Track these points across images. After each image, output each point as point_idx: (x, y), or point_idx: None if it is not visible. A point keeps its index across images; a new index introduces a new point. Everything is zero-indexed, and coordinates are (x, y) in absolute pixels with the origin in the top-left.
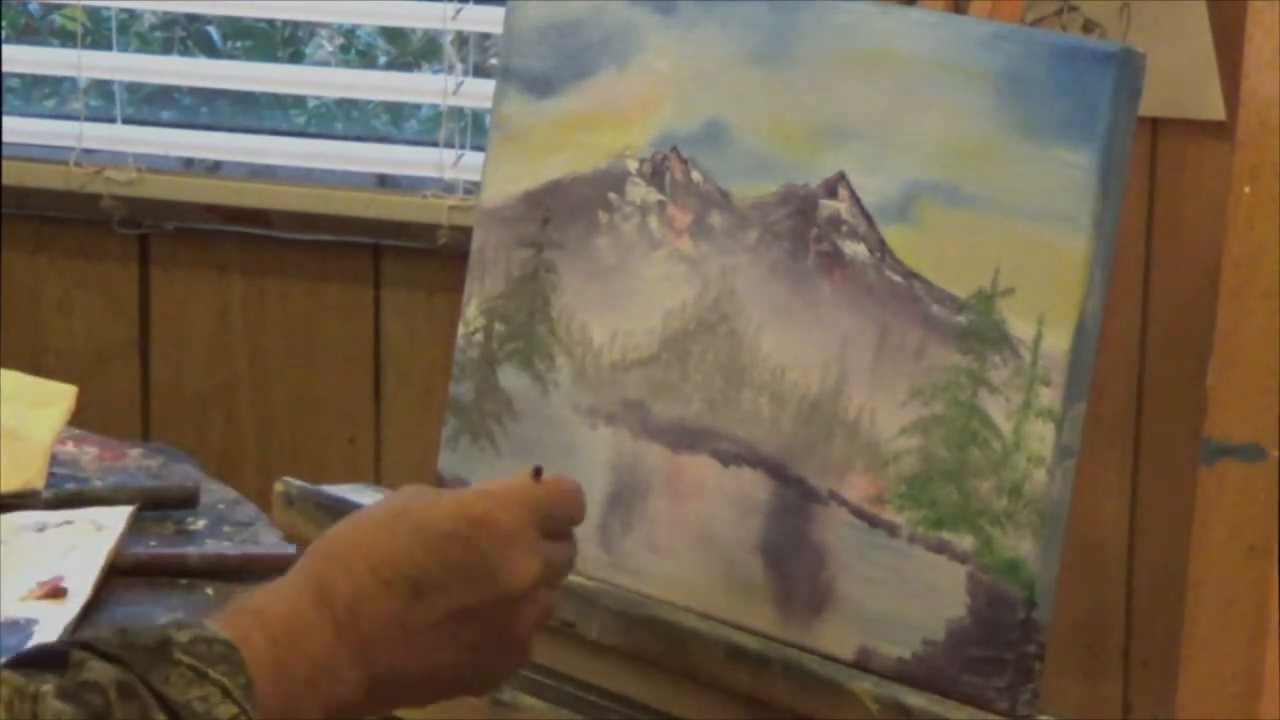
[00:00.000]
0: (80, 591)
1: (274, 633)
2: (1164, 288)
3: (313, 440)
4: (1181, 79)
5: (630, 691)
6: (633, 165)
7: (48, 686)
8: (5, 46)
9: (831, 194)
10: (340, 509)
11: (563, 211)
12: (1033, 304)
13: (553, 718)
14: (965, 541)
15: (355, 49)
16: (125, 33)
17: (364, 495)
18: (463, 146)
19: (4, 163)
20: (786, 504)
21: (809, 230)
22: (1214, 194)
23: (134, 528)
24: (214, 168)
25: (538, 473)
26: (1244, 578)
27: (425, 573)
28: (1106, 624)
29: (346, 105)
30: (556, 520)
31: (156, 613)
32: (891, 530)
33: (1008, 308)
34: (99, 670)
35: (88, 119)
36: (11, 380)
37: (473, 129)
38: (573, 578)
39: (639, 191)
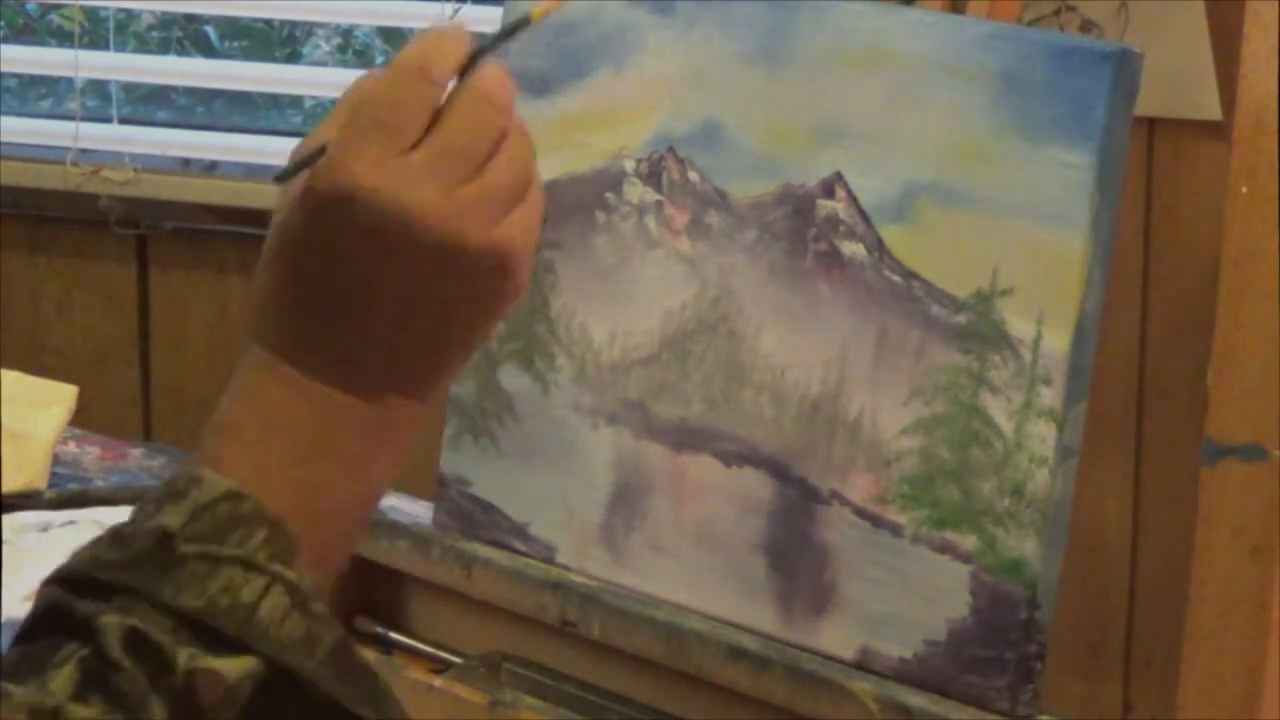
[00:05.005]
0: None
1: (246, 433)
2: (1163, 287)
3: None
4: (1179, 79)
5: (630, 691)
6: (630, 165)
7: (60, 684)
8: (2, 46)
9: (829, 194)
10: None
11: (560, 211)
12: (1032, 304)
13: (553, 718)
14: (968, 542)
15: (352, 49)
16: (122, 32)
17: None
18: None
19: (1, 163)
20: (788, 504)
21: (807, 230)
22: (1211, 194)
23: None
24: (211, 167)
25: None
26: (1246, 578)
27: (340, 284)
28: (1107, 624)
29: None
30: (406, 116)
31: None
32: (895, 531)
33: (1007, 307)
34: (112, 627)
35: (84, 119)
36: (12, 380)
37: None
38: (573, 577)
39: (636, 191)
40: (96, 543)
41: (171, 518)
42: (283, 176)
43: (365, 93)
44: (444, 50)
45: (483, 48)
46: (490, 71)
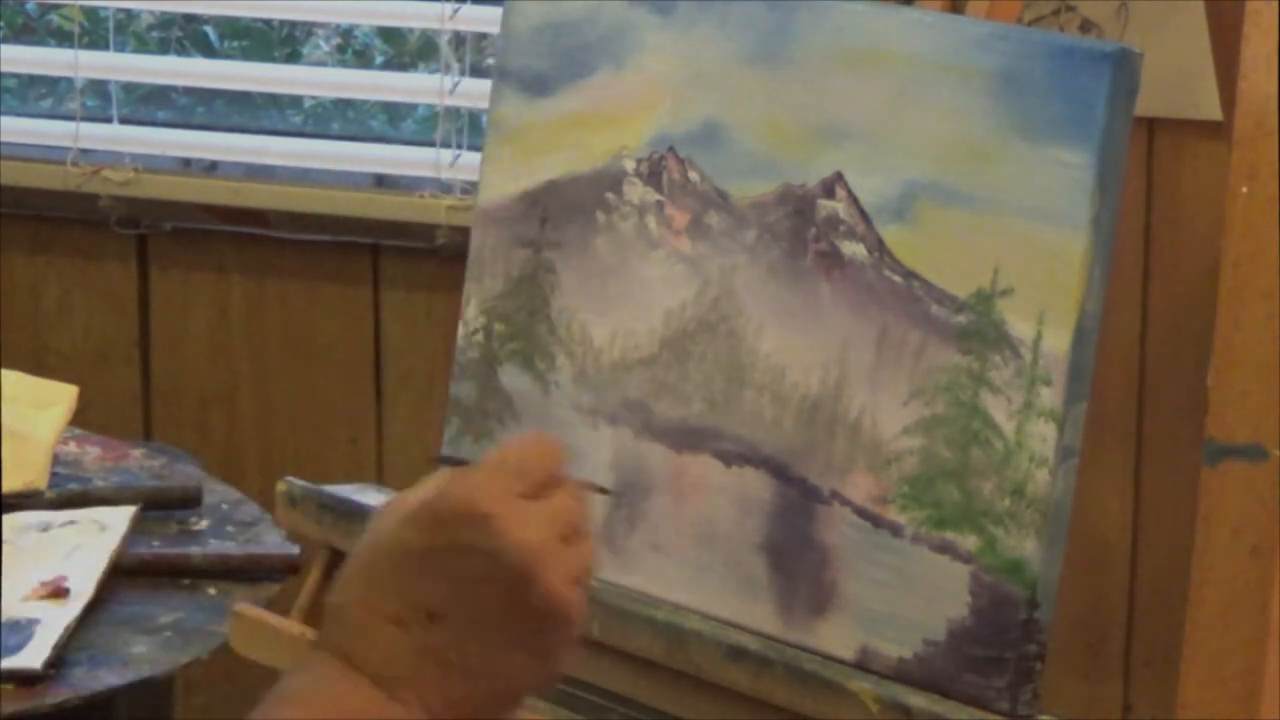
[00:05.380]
0: (83, 591)
1: (309, 708)
2: (1163, 288)
3: (314, 440)
4: (1178, 79)
5: (630, 691)
6: (630, 165)
7: None
8: (2, 46)
9: (829, 194)
10: (343, 509)
11: (561, 211)
12: (1032, 304)
13: (553, 718)
14: (968, 542)
15: (352, 49)
16: (122, 32)
17: (367, 495)
18: (460, 147)
19: (1, 163)
20: (789, 504)
21: (807, 230)
22: (1211, 194)
23: (137, 528)
24: (211, 168)
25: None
26: (1246, 578)
27: (432, 594)
28: (1107, 624)
29: (343, 105)
30: (532, 474)
31: (159, 612)
32: (895, 531)
33: (1007, 307)
34: None
35: (84, 119)
36: (12, 380)
37: (470, 129)
38: None
39: (637, 191)
40: None
41: None
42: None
43: (511, 444)
44: (565, 453)
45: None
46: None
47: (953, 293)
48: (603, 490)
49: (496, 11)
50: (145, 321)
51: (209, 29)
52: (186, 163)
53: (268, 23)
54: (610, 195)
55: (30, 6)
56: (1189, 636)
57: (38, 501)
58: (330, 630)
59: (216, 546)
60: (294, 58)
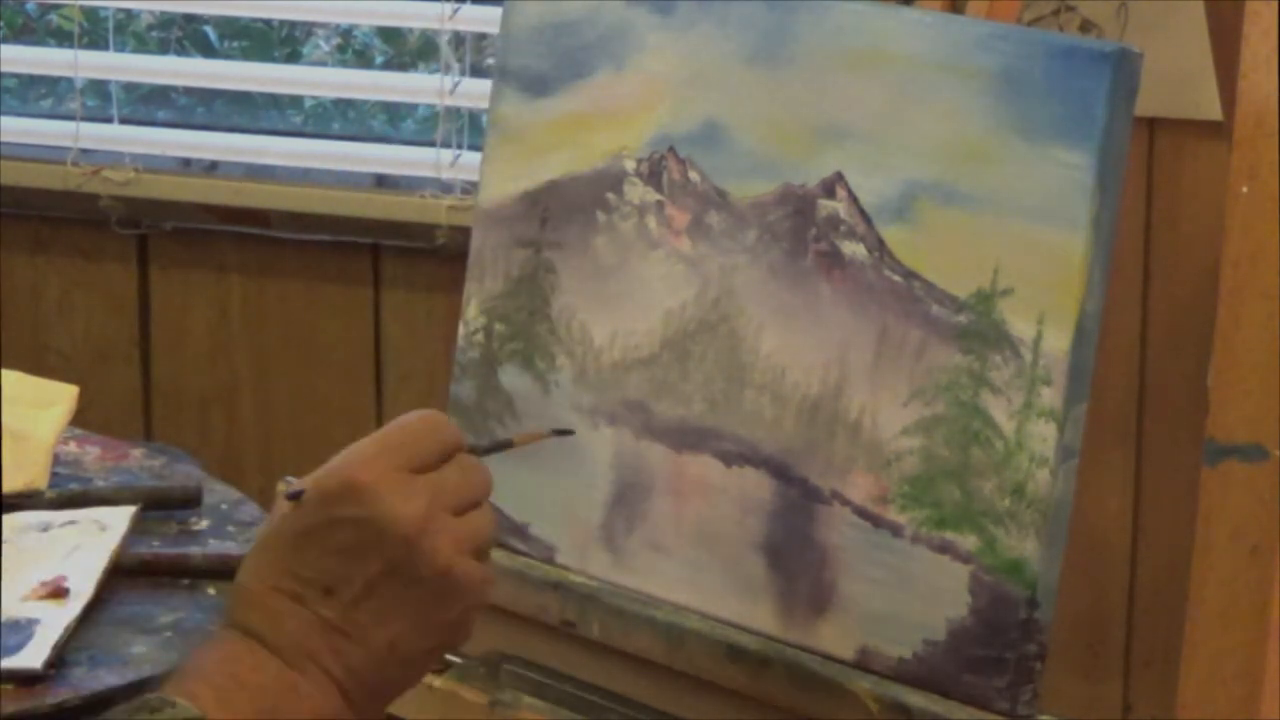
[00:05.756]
0: (83, 591)
1: (219, 684)
2: (1163, 288)
3: (315, 440)
4: (1178, 79)
5: (630, 691)
6: (630, 165)
7: None
8: (2, 46)
9: (829, 194)
10: None
11: (561, 211)
12: (1032, 304)
13: (553, 718)
14: (968, 542)
15: (352, 49)
16: (122, 32)
17: None
18: (460, 146)
19: (1, 163)
20: (789, 504)
21: (807, 230)
22: (1211, 194)
23: (137, 528)
24: (211, 168)
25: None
26: (1245, 578)
27: (322, 569)
28: (1107, 624)
29: (343, 105)
30: (415, 449)
31: (159, 612)
32: (895, 531)
33: (1007, 308)
34: None
35: (84, 119)
36: (12, 380)
37: (470, 129)
38: (573, 577)
39: (637, 191)
40: None
41: None
42: (295, 495)
43: (392, 425)
44: (459, 431)
45: (479, 445)
46: (485, 465)
47: (953, 293)
48: (565, 432)
49: (496, 11)
50: (145, 321)
51: (209, 29)
52: (187, 163)
53: (268, 23)
54: (610, 195)
55: (30, 6)
56: (1189, 636)
57: (38, 501)
58: (233, 608)
59: (216, 546)
60: (294, 58)
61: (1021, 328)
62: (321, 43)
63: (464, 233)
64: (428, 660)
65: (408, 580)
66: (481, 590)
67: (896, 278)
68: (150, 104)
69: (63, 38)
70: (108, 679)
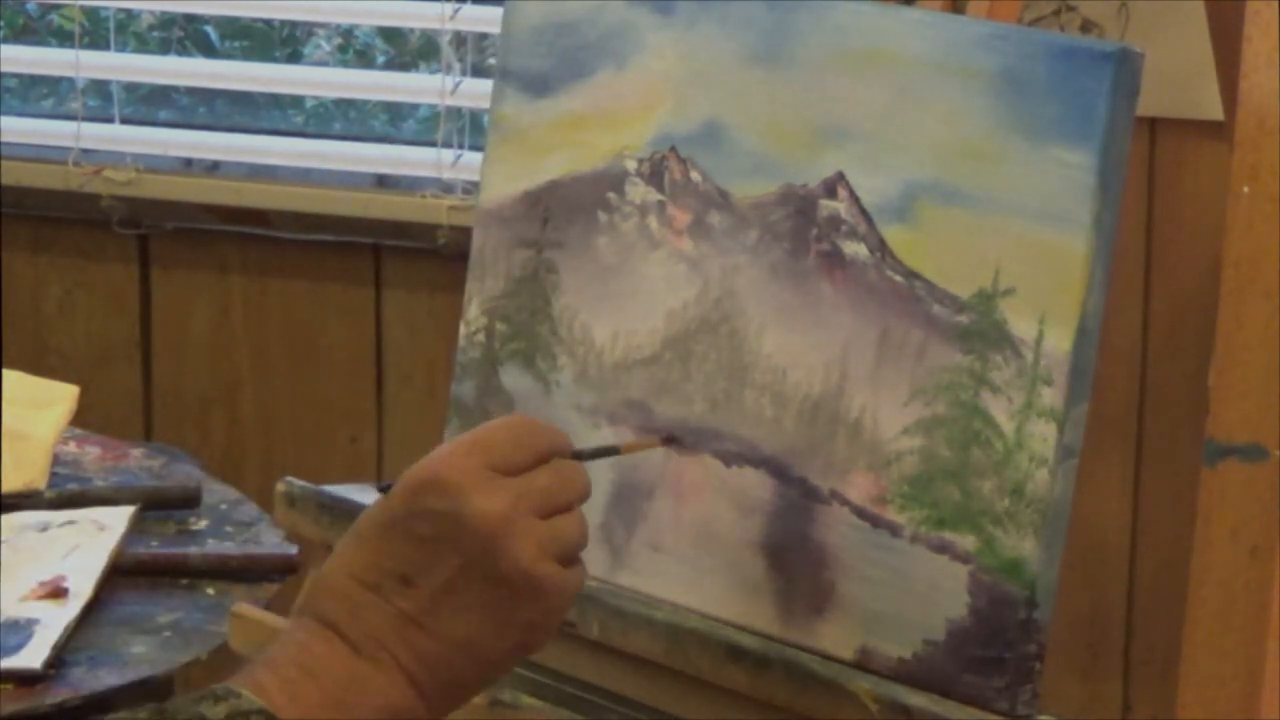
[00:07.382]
0: (82, 591)
1: (288, 674)
2: (1164, 288)
3: (314, 440)
4: (1180, 79)
5: (630, 691)
6: (631, 165)
7: None
8: (3, 46)
9: (831, 194)
10: (343, 509)
11: (562, 211)
12: (1033, 304)
13: (553, 718)
14: (967, 541)
15: (353, 49)
16: (123, 33)
17: (367, 495)
18: (461, 146)
19: (2, 163)
20: (788, 504)
21: (809, 230)
22: (1212, 194)
23: (136, 528)
24: (212, 168)
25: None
26: (1245, 578)
27: (403, 560)
28: (1107, 624)
29: (344, 105)
30: (506, 451)
31: (158, 612)
32: (894, 530)
33: (1009, 308)
34: None
35: (85, 119)
36: (13, 380)
37: (471, 129)
38: None
39: (638, 191)
40: (133, 712)
41: (210, 710)
42: (385, 488)
43: (484, 425)
44: (562, 436)
45: (583, 451)
46: (584, 470)
47: (954, 293)
48: (674, 440)
49: (497, 11)
50: (146, 321)
51: (210, 29)
52: (188, 163)
53: (268, 23)
54: (612, 195)
55: (31, 6)
56: (1189, 636)
57: (37, 501)
58: (312, 596)
59: (215, 546)
60: (295, 58)
61: (1023, 328)
62: (323, 43)
63: (465, 233)
64: (506, 660)
65: (486, 578)
66: (564, 594)
67: (898, 278)
68: (151, 104)
69: (64, 38)
70: (107, 679)
